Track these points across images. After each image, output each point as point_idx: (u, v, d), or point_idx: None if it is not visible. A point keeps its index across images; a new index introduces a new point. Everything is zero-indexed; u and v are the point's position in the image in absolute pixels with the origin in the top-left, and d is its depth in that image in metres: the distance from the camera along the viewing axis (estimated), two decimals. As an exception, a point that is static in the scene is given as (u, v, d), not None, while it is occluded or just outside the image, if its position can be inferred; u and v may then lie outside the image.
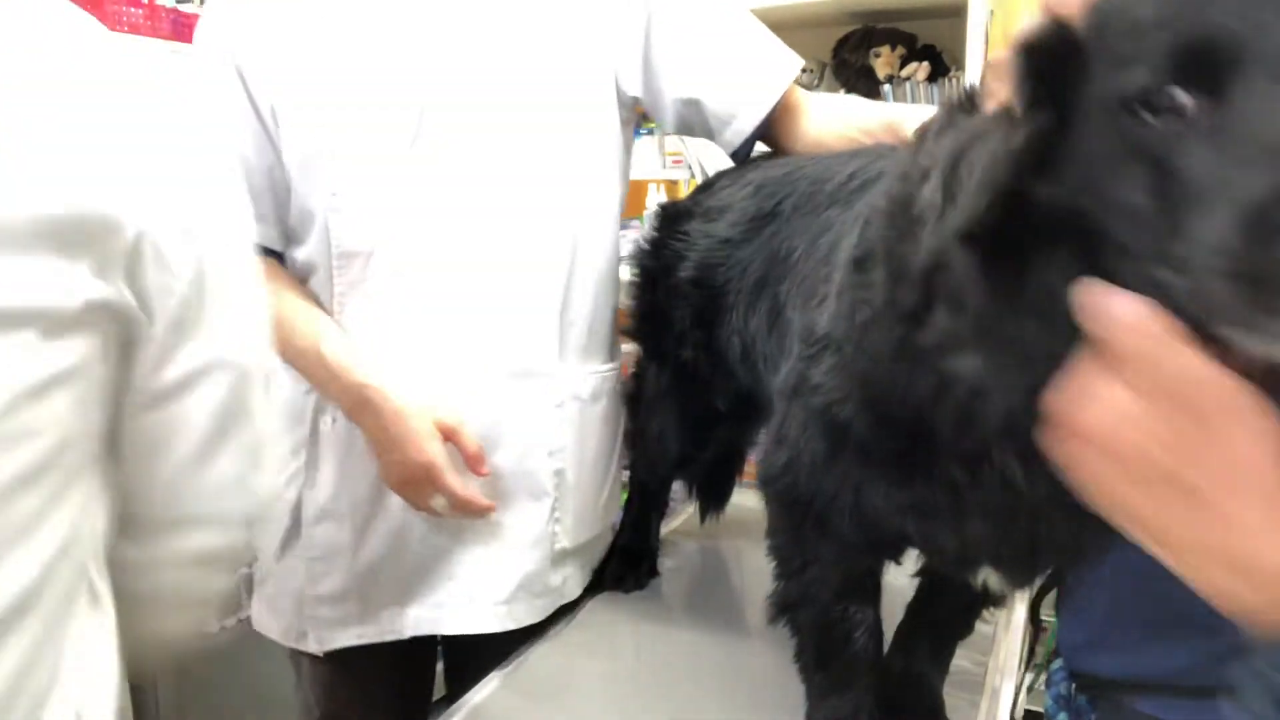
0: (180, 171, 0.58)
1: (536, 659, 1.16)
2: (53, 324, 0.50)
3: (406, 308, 1.08)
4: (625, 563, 1.33)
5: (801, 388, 0.81)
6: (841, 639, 0.89)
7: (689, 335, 1.16)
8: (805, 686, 0.95)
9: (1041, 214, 0.48)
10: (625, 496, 1.37)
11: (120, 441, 0.58)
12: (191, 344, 0.58)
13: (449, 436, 1.06)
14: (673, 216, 1.19)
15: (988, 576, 0.79)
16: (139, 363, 0.57)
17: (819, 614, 0.89)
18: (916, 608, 1.03)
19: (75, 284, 0.51)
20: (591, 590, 1.30)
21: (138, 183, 0.54)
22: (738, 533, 1.47)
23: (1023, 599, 1.24)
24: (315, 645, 1.14)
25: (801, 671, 0.95)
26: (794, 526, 0.87)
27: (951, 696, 1.02)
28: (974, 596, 0.98)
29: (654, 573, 1.37)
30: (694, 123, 1.19)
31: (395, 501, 1.10)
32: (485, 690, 1.10)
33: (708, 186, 1.19)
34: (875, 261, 0.68)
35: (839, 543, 0.84)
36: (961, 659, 1.09)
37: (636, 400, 1.29)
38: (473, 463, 1.08)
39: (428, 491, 1.06)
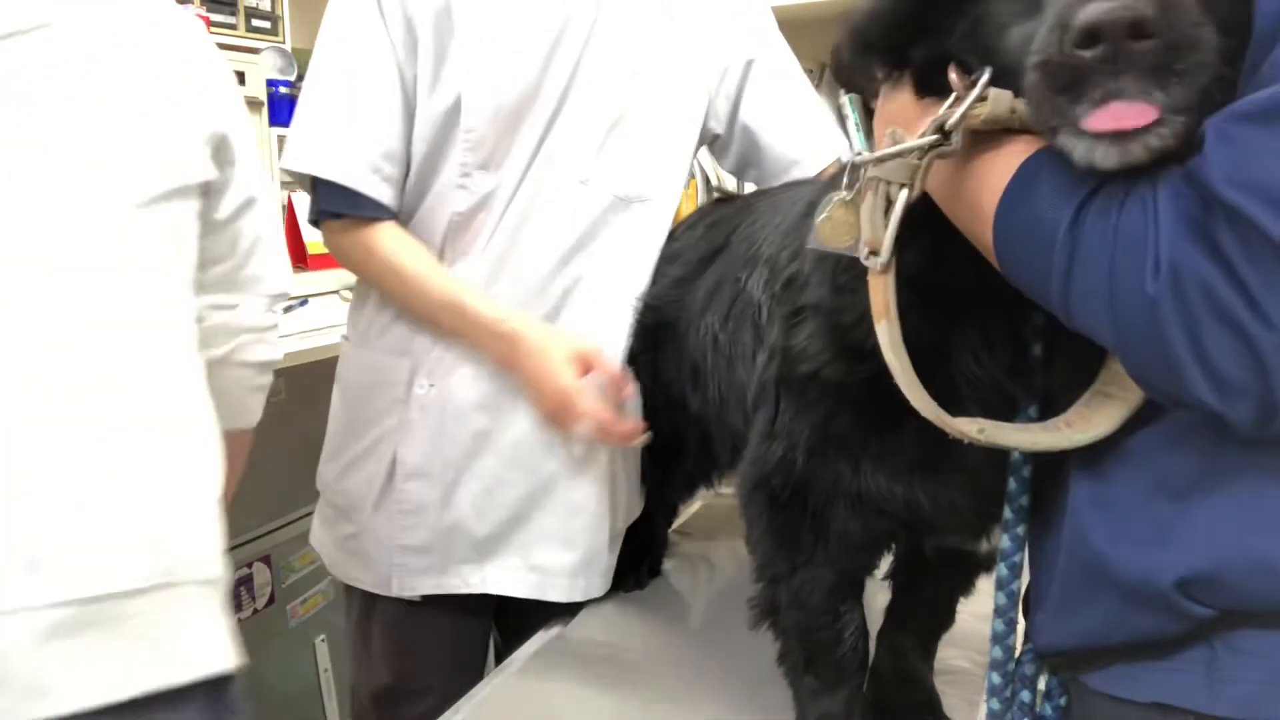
0: (230, 97, 0.98)
1: (537, 659, 1.17)
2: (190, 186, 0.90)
3: (511, 275, 1.18)
4: (626, 562, 1.33)
5: (787, 362, 0.84)
6: (832, 640, 0.89)
7: (640, 358, 1.23)
8: (793, 689, 0.95)
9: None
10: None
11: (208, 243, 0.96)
12: (234, 188, 0.97)
13: (589, 364, 1.12)
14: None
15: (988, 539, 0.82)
16: (217, 204, 0.96)
17: (809, 617, 0.89)
18: (896, 608, 1.03)
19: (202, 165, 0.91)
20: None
21: (226, 106, 0.96)
22: (738, 533, 1.47)
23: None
24: (399, 591, 1.21)
25: (788, 674, 0.95)
26: (787, 529, 0.87)
27: (949, 696, 1.03)
28: (951, 587, 1.00)
29: (655, 572, 1.37)
30: (751, 163, 1.35)
31: (482, 466, 1.19)
32: (486, 690, 1.11)
33: (670, 235, 1.28)
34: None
35: (836, 541, 0.84)
36: (959, 658, 1.09)
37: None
38: (614, 386, 1.14)
39: (572, 418, 1.11)
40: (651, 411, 1.26)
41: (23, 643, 0.69)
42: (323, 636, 1.95)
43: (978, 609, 0.79)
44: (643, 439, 1.16)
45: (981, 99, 0.59)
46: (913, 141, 0.61)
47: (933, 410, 0.66)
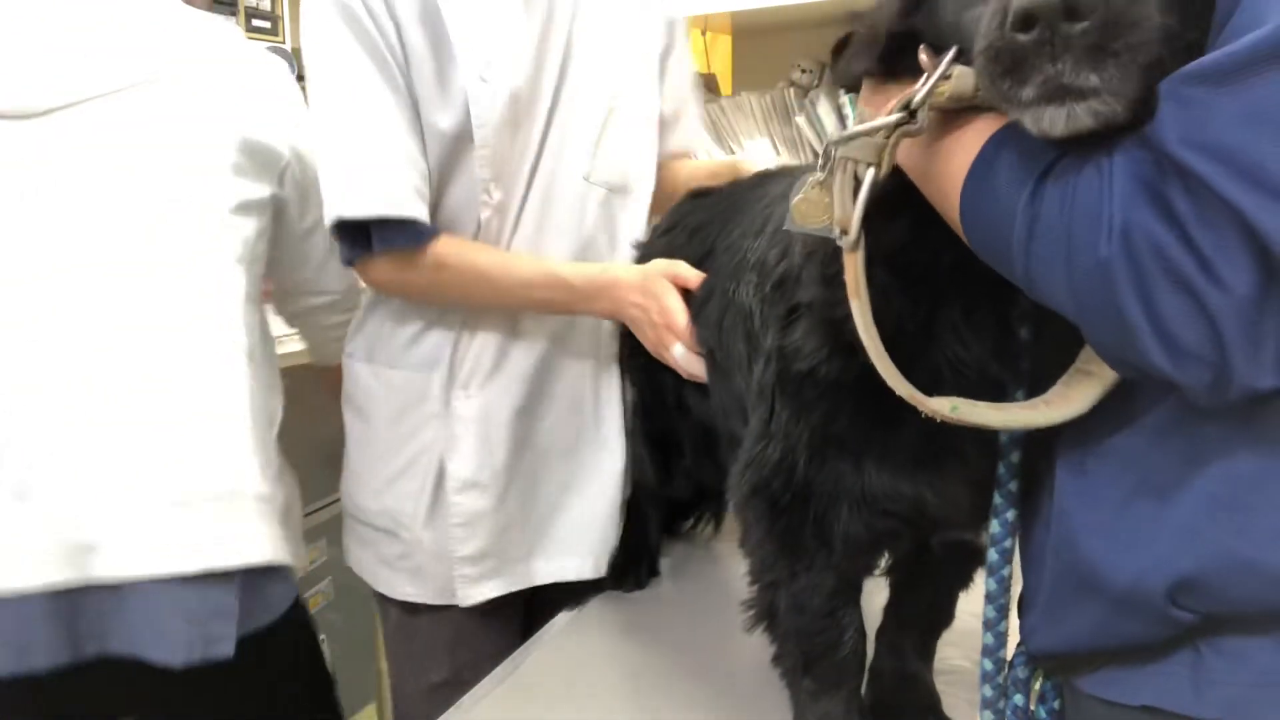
0: (297, 119, 1.21)
1: (537, 659, 1.17)
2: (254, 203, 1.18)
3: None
4: (625, 562, 1.33)
5: (783, 360, 0.83)
6: (832, 643, 0.89)
7: (635, 360, 1.24)
8: (790, 691, 0.95)
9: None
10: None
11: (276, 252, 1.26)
12: (311, 208, 1.23)
13: (676, 280, 1.14)
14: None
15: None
16: (289, 218, 1.25)
17: (809, 621, 0.88)
18: (894, 609, 1.03)
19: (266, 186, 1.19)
20: (592, 590, 1.31)
21: (288, 128, 1.20)
22: (738, 532, 1.47)
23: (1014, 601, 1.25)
24: (462, 601, 1.23)
25: (785, 676, 0.95)
26: (788, 534, 0.86)
27: (950, 696, 1.03)
28: (950, 584, 0.99)
29: (654, 572, 1.37)
30: None
31: (524, 465, 1.24)
32: (486, 690, 1.11)
33: (653, 233, 1.30)
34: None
35: (840, 544, 0.83)
36: (959, 658, 1.09)
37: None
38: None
39: (670, 341, 1.13)
40: (647, 412, 1.26)
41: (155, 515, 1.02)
42: (323, 636, 1.95)
43: (978, 609, 0.79)
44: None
45: (946, 77, 0.60)
46: (878, 120, 0.62)
47: (905, 388, 0.66)
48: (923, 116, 0.61)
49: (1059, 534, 0.63)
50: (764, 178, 1.19)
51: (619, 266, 1.19)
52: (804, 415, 0.82)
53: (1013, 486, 0.72)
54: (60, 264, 1.03)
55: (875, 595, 1.04)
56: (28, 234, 1.03)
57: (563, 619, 1.26)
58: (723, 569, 1.43)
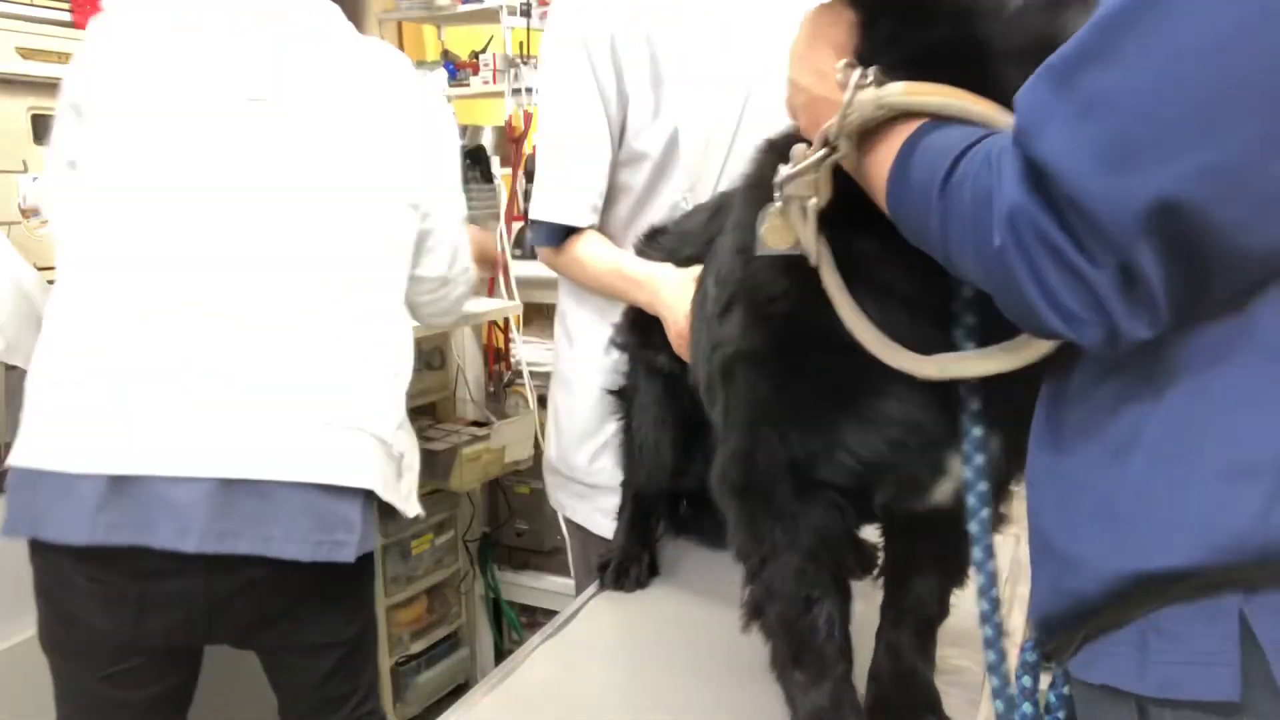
0: (442, 168, 1.47)
1: (536, 659, 1.17)
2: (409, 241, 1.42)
3: None
4: (625, 563, 1.33)
5: (720, 351, 0.92)
6: (808, 630, 0.91)
7: (664, 341, 1.25)
8: (784, 689, 0.96)
9: None
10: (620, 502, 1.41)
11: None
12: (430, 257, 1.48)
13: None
14: (651, 233, 1.38)
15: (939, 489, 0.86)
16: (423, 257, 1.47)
17: (785, 607, 0.92)
18: (890, 606, 1.03)
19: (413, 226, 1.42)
20: (592, 590, 1.31)
21: (428, 178, 1.43)
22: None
23: (1022, 602, 1.24)
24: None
25: (780, 677, 0.96)
26: (751, 519, 0.92)
27: (950, 696, 1.03)
28: (939, 580, 1.00)
29: (654, 572, 1.37)
30: None
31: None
32: (485, 690, 1.11)
33: (686, 217, 1.39)
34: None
35: (793, 522, 0.88)
36: (960, 658, 1.09)
37: (627, 412, 1.34)
38: None
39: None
40: (672, 396, 1.26)
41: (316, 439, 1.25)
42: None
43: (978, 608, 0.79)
44: None
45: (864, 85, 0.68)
46: (807, 160, 0.73)
47: (907, 362, 0.74)
48: (844, 145, 0.70)
49: (1029, 502, 0.68)
50: None
51: (666, 269, 1.30)
52: (739, 397, 0.90)
53: (979, 460, 0.76)
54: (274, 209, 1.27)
55: (874, 595, 1.04)
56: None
57: (562, 618, 1.26)
58: (722, 568, 1.43)
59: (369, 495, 1.28)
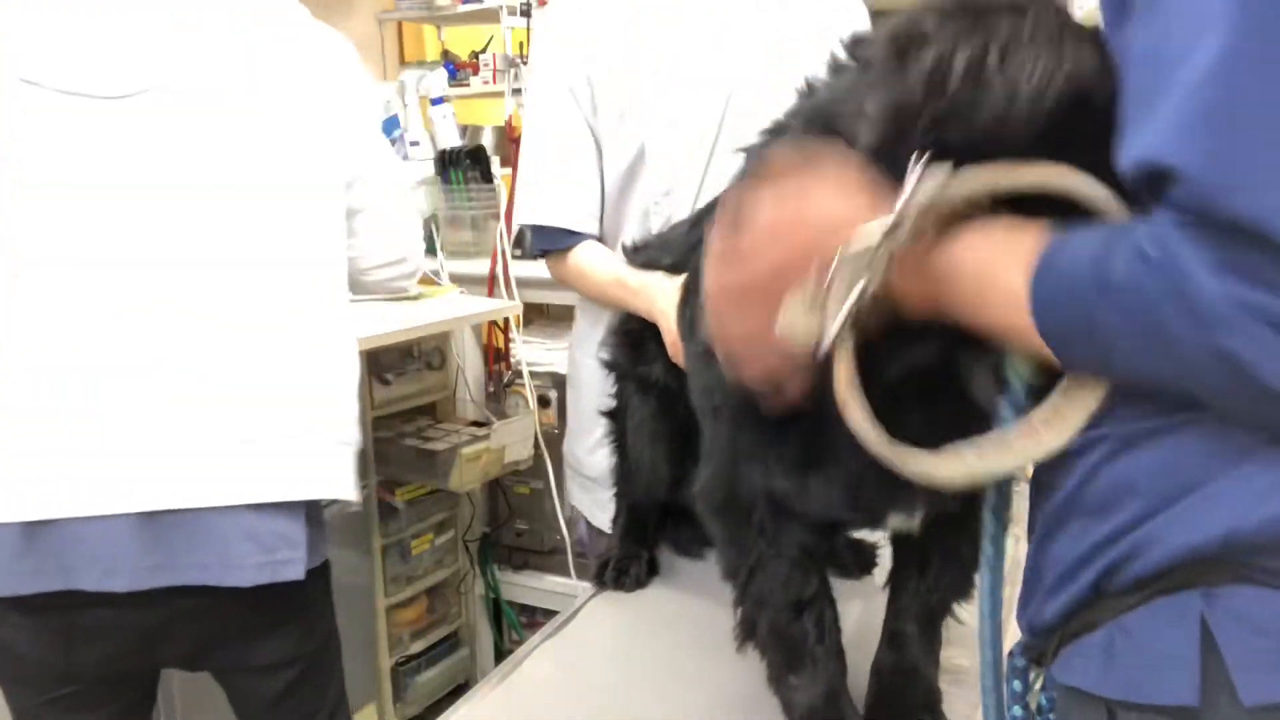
0: (371, 139, 1.41)
1: (537, 659, 1.17)
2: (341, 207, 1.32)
3: None
4: (624, 563, 1.33)
5: (705, 395, 0.95)
6: (800, 635, 0.92)
7: (658, 354, 1.25)
8: (780, 700, 0.96)
9: None
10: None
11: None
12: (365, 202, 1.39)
13: None
14: (635, 248, 1.37)
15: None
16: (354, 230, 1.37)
17: (775, 615, 0.93)
18: (894, 601, 1.02)
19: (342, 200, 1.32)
20: (592, 590, 1.31)
21: (362, 149, 1.36)
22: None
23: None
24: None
25: (776, 689, 0.97)
26: (735, 535, 0.93)
27: (952, 696, 1.02)
28: (953, 575, 0.99)
29: (654, 572, 1.37)
30: None
31: None
32: (485, 690, 1.11)
33: (671, 227, 1.38)
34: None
35: (777, 536, 0.90)
36: (960, 657, 1.09)
37: (620, 432, 1.34)
38: None
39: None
40: (666, 411, 1.26)
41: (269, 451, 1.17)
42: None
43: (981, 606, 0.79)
44: None
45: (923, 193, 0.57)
46: (863, 243, 0.60)
47: (924, 470, 0.65)
48: (905, 232, 0.58)
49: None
50: None
51: (661, 279, 1.29)
52: (721, 434, 0.93)
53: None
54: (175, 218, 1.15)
55: (875, 595, 1.03)
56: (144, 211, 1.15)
57: (562, 618, 1.26)
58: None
59: (312, 504, 1.21)
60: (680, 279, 1.21)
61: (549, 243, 1.46)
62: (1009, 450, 0.63)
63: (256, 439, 1.15)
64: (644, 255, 1.33)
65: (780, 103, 1.25)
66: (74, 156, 1.13)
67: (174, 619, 1.16)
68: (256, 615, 1.20)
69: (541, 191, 1.46)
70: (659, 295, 1.26)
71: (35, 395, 1.11)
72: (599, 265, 1.42)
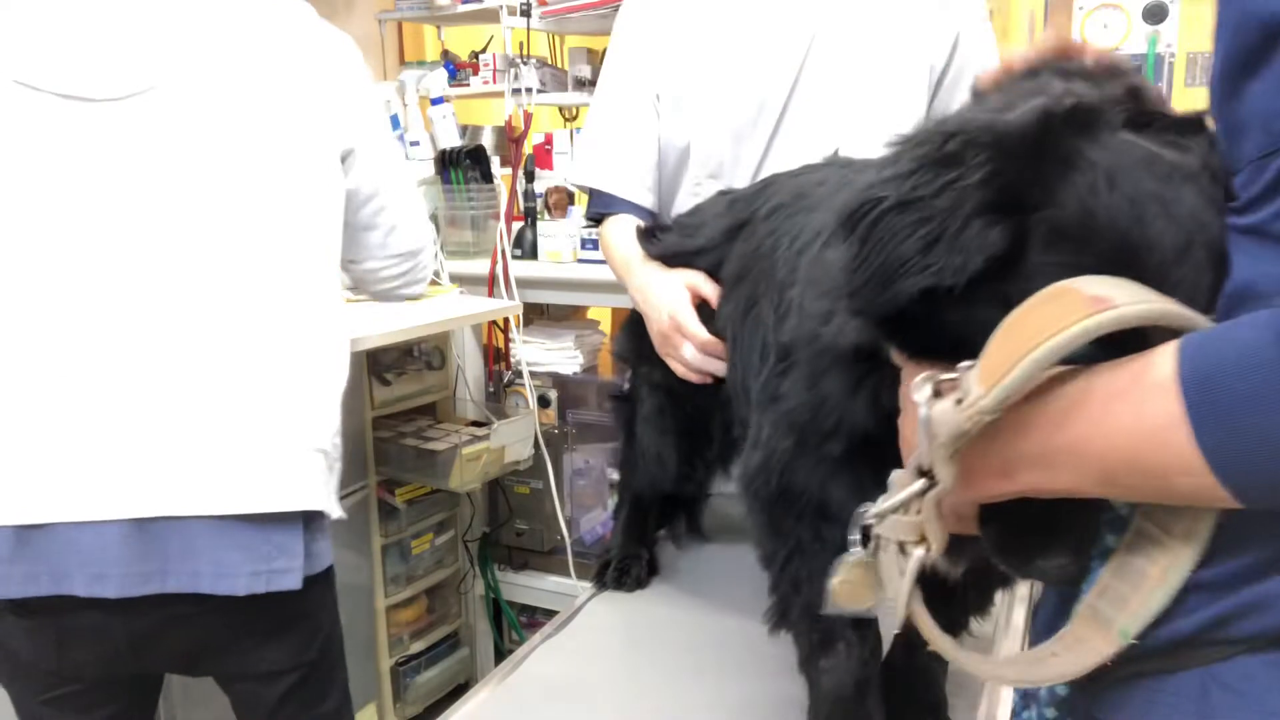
0: (369, 115, 1.37)
1: (537, 659, 1.17)
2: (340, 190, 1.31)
3: None
4: (625, 563, 1.33)
5: (773, 397, 0.92)
6: (835, 618, 0.91)
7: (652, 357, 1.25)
8: (808, 679, 0.96)
9: None
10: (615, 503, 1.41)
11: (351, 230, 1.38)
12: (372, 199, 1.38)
13: (697, 292, 1.22)
14: (649, 230, 1.36)
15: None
16: (351, 207, 1.35)
17: (810, 599, 0.91)
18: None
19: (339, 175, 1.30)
20: (592, 590, 1.31)
21: (359, 126, 1.32)
22: (738, 532, 1.47)
23: (1022, 601, 1.24)
24: None
25: (806, 670, 0.96)
26: (774, 522, 0.93)
27: (951, 696, 1.03)
28: (977, 597, 0.99)
29: (654, 572, 1.37)
30: None
31: None
32: (484, 690, 1.11)
33: (691, 212, 1.34)
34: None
35: (819, 528, 0.90)
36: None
37: (630, 420, 1.33)
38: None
39: (678, 343, 1.21)
40: (675, 404, 1.27)
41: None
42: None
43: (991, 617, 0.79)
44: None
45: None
46: (901, 494, 0.56)
47: (988, 667, 0.68)
48: (945, 473, 0.53)
49: None
50: (817, 168, 1.16)
51: (658, 268, 1.29)
52: (779, 437, 0.91)
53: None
54: (158, 226, 1.13)
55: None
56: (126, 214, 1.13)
57: (562, 618, 1.26)
58: (723, 569, 1.43)
59: (311, 515, 1.18)
60: (682, 277, 1.21)
61: (603, 206, 1.46)
62: (1047, 663, 0.58)
63: (246, 448, 1.14)
64: (659, 246, 1.30)
65: (845, 88, 1.29)
66: (70, 161, 1.12)
67: (165, 625, 1.15)
68: (252, 623, 1.19)
69: (599, 153, 1.46)
70: (651, 289, 1.26)
71: (29, 400, 1.11)
72: (619, 243, 1.41)
